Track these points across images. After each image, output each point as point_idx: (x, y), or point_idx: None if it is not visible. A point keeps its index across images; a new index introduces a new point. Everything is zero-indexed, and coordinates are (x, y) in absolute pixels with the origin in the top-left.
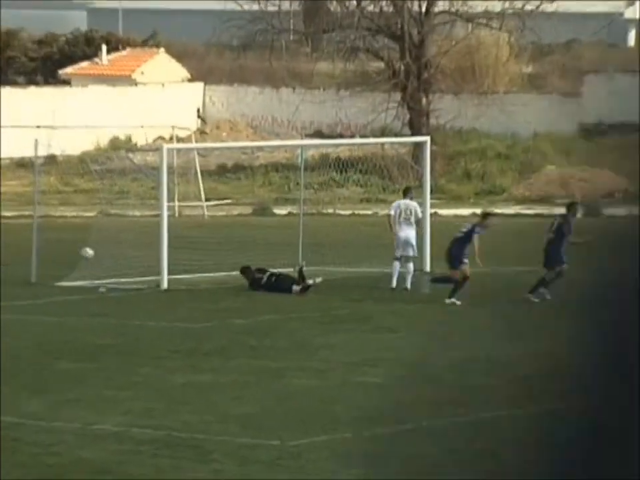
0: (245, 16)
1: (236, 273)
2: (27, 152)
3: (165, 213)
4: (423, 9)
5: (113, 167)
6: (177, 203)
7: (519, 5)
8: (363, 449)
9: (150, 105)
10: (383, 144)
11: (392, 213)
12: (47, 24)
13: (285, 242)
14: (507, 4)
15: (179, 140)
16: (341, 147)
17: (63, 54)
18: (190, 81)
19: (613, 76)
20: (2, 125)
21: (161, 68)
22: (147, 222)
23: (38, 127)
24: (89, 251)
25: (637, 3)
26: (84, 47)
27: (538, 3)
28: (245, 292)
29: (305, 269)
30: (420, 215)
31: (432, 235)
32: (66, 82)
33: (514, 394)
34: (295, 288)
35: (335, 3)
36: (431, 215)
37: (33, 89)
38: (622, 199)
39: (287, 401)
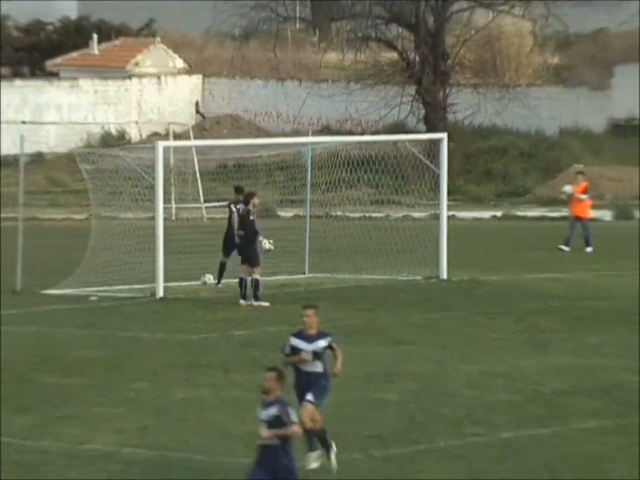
0: (248, 3)
1: (237, 280)
2: (11, 149)
3: (161, 216)
4: None
5: (105, 166)
6: (173, 205)
7: None
8: (373, 471)
9: (145, 98)
10: (396, 141)
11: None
12: (33, 11)
13: (290, 247)
14: None
15: (176, 137)
16: (351, 144)
17: (50, 43)
18: (188, 73)
19: None
20: None
21: (156, 59)
22: (141, 225)
23: (23, 122)
24: (208, 276)
25: None
26: (74, 36)
27: None
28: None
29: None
30: None
31: (449, 240)
32: (54, 74)
33: (538, 412)
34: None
35: None
36: (448, 217)
37: (18, 81)
38: None
39: None
